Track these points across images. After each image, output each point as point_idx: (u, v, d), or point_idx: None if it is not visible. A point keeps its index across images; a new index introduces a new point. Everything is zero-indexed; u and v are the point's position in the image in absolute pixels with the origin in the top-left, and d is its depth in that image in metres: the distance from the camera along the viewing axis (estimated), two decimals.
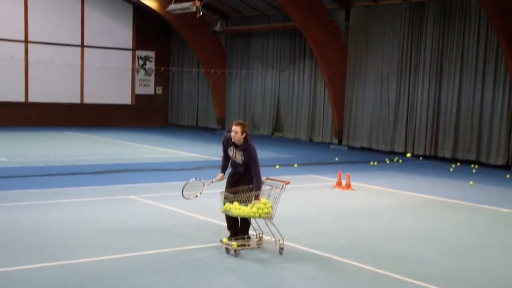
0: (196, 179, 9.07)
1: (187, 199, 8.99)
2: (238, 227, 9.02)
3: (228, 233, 9.08)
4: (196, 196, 9.01)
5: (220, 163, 9.39)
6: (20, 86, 29.38)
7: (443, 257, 8.95)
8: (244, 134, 8.88)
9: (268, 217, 8.63)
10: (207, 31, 30.90)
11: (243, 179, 8.97)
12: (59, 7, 30.29)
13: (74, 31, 30.81)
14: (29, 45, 29.49)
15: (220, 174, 9.24)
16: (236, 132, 8.84)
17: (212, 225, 10.29)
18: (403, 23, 23.07)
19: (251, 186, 8.85)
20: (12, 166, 16.21)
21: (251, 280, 7.59)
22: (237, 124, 8.90)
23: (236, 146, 8.95)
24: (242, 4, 28.60)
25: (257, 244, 8.90)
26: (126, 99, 32.98)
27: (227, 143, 9.09)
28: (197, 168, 17.20)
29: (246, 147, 8.87)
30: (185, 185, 8.95)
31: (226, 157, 9.21)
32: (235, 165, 9.09)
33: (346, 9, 25.03)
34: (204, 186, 9.03)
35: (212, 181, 9.12)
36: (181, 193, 8.92)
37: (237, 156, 8.95)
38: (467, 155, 21.14)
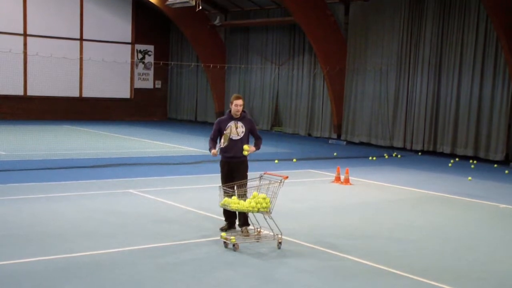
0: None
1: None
2: (235, 219, 9.19)
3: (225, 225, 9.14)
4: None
5: (209, 145, 9.43)
6: (19, 79, 29.36)
7: (441, 252, 8.97)
8: (242, 107, 9.35)
9: (266, 211, 8.64)
10: (207, 26, 30.87)
11: (237, 168, 9.06)
12: (58, 0, 30.22)
13: (73, 24, 30.77)
14: (28, 38, 29.44)
15: (215, 150, 9.30)
16: (240, 105, 9.20)
17: (211, 219, 10.30)
18: (402, 18, 23.05)
19: (247, 180, 8.90)
20: (11, 160, 16.21)
21: (249, 274, 7.60)
22: (238, 98, 9.27)
23: (235, 119, 9.24)
24: None
25: (256, 239, 8.92)
26: (125, 93, 32.96)
27: (225, 123, 9.28)
28: (196, 162, 17.20)
29: (245, 116, 9.32)
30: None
31: (217, 139, 9.41)
32: (231, 145, 9.17)
33: (346, 3, 25.00)
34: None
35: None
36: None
37: (238, 129, 9.20)
38: (465, 151, 21.15)
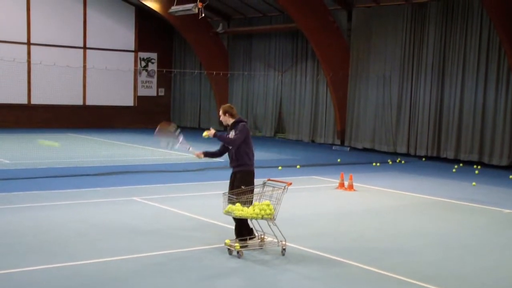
0: (175, 130, 9.33)
1: (158, 137, 9.32)
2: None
3: (230, 234, 9.09)
4: (167, 144, 9.34)
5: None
6: (23, 88, 29.44)
7: (445, 258, 8.95)
8: (228, 115, 9.14)
9: (270, 218, 8.64)
10: (209, 33, 30.93)
11: (238, 175, 9.01)
12: (61, 9, 30.34)
13: (77, 33, 30.87)
14: (32, 47, 29.55)
15: (200, 152, 9.28)
16: (220, 116, 9.21)
17: (215, 226, 10.30)
18: (405, 24, 23.06)
19: (243, 186, 8.82)
20: (15, 168, 16.24)
21: (253, 281, 7.60)
22: (221, 108, 9.26)
23: (229, 128, 9.18)
24: (244, 5, 28.64)
25: (260, 245, 8.91)
26: (129, 101, 33.02)
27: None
28: (199, 169, 17.20)
29: (235, 122, 9.12)
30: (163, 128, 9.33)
31: (223, 147, 9.32)
32: (229, 154, 9.15)
33: (348, 10, 25.03)
34: (179, 141, 9.28)
35: (189, 148, 9.28)
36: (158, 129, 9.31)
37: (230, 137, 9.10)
38: (469, 156, 21.11)
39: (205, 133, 9.07)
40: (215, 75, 30.18)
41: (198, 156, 9.28)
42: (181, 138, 9.33)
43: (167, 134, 9.28)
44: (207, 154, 9.36)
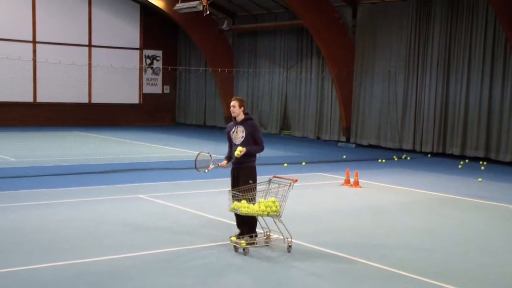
0: (207, 153, 9.30)
1: (198, 170, 9.34)
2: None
3: (237, 231, 9.10)
4: (204, 171, 9.32)
5: (226, 154, 9.40)
6: (28, 86, 29.52)
7: (451, 255, 8.93)
8: (243, 108, 9.05)
9: (276, 215, 8.64)
10: (214, 30, 30.93)
11: (241, 171, 8.99)
12: (66, 7, 30.40)
13: (82, 31, 30.92)
14: (37, 45, 29.61)
15: (225, 161, 9.27)
16: (234, 106, 9.03)
17: (221, 224, 10.31)
18: (410, 20, 23.01)
19: (251, 181, 8.82)
20: (20, 166, 16.29)
21: (259, 278, 7.60)
22: (235, 99, 9.12)
23: (237, 123, 9.07)
24: (249, 2, 28.63)
25: (265, 242, 8.91)
26: (134, 99, 33.06)
27: (230, 129, 9.21)
28: (205, 166, 17.19)
29: (247, 119, 9.06)
30: (198, 156, 9.27)
31: (231, 146, 9.25)
32: (233, 150, 9.05)
33: (353, 6, 24.99)
34: (211, 163, 9.24)
35: (218, 164, 9.21)
36: (194, 164, 9.33)
37: (239, 133, 9.00)
38: (475, 152, 21.06)
39: (237, 152, 8.82)
40: (220, 72, 30.18)
41: (224, 166, 9.26)
42: (212, 162, 9.28)
43: (204, 161, 9.32)
44: (229, 160, 9.29)
